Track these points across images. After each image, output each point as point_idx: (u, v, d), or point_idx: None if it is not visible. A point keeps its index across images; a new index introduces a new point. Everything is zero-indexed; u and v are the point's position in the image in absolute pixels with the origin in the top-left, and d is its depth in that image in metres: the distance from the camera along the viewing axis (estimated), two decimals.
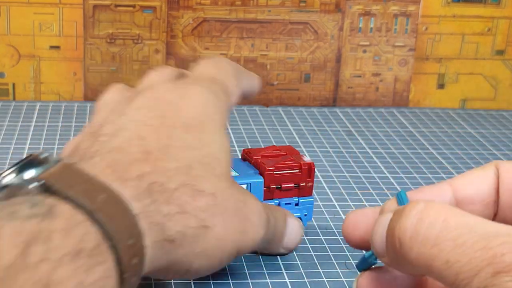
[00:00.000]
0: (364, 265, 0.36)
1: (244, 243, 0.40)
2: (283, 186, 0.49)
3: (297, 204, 0.50)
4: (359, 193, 0.64)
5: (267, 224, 0.42)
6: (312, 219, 0.59)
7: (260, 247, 0.43)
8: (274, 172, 0.48)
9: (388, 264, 0.32)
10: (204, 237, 0.36)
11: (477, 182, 0.34)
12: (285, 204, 0.49)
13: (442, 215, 0.29)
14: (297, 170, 0.49)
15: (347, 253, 0.54)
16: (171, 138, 0.37)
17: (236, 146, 0.73)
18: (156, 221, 0.34)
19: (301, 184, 0.50)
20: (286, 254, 0.50)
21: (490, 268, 0.27)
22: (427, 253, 0.29)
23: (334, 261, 0.52)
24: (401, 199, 0.35)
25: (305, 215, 0.52)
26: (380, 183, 0.66)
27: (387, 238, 0.31)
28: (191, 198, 0.36)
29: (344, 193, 0.64)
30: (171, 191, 0.35)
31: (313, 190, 0.51)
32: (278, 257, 0.53)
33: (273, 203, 0.48)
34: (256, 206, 0.41)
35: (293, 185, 0.49)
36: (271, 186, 0.48)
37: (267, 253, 0.50)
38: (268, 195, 0.49)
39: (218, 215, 0.37)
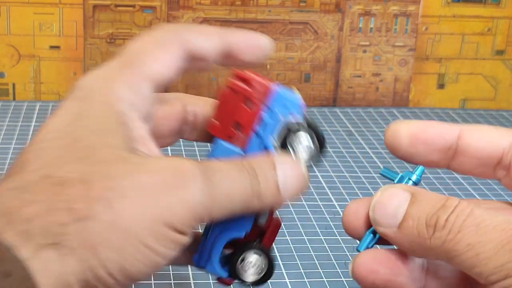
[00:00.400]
0: (365, 244, 0.34)
1: (174, 211, 0.30)
2: (238, 119, 0.35)
3: None
4: (359, 193, 0.64)
5: (205, 172, 0.31)
6: (312, 219, 0.59)
7: (239, 208, 0.32)
8: (214, 121, 0.35)
9: (393, 238, 0.32)
10: (90, 229, 0.28)
11: (486, 141, 0.33)
12: (260, 127, 0.35)
13: (469, 208, 0.30)
14: (233, 94, 0.35)
15: (347, 253, 0.54)
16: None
17: None
18: (21, 230, 0.28)
19: (247, 93, 0.35)
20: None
21: (509, 245, 0.28)
22: (450, 239, 0.30)
23: (334, 261, 0.52)
24: (390, 175, 0.35)
25: (290, 113, 0.35)
26: (380, 183, 0.66)
27: (406, 220, 0.31)
28: (52, 192, 0.29)
29: (344, 193, 0.64)
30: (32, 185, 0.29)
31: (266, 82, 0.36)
32: (278, 257, 0.53)
33: (256, 139, 0.35)
34: (170, 160, 0.31)
35: (242, 104, 0.35)
36: (230, 132, 0.35)
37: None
38: (240, 140, 0.35)
39: (101, 199, 0.29)
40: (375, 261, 0.33)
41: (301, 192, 0.34)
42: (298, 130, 0.34)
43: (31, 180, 0.29)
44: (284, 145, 0.34)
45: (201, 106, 0.38)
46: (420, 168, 0.35)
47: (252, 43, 0.37)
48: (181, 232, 0.30)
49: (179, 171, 0.30)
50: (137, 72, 0.34)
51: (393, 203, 0.32)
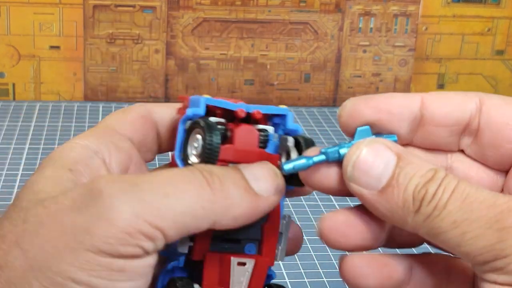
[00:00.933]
0: (293, 164, 0.29)
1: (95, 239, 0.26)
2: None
3: None
4: None
5: (121, 188, 0.27)
6: (312, 219, 0.59)
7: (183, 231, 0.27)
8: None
9: (369, 201, 0.30)
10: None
11: (451, 106, 0.31)
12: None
13: (455, 180, 0.28)
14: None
15: (347, 253, 0.54)
16: None
17: None
18: None
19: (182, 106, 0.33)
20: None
21: (498, 224, 0.26)
22: (435, 215, 0.27)
23: (334, 261, 0.52)
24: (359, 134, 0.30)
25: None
26: None
27: (391, 186, 0.28)
28: None
29: None
30: None
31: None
32: None
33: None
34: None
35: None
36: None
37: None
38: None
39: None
40: (346, 224, 0.31)
41: (278, 189, 0.30)
42: (193, 128, 0.30)
43: None
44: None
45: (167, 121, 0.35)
46: (393, 137, 0.30)
47: None
48: (124, 256, 0.26)
49: (97, 188, 0.27)
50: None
51: (378, 163, 0.29)
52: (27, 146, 0.70)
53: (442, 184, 0.27)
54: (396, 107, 0.30)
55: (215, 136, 0.29)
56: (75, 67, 0.84)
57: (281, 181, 0.30)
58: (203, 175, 0.28)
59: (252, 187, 0.29)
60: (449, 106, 0.31)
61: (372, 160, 0.29)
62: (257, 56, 0.86)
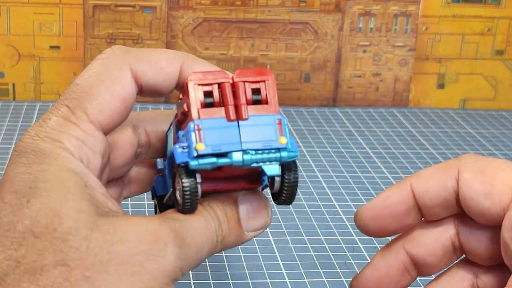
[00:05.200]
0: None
1: (154, 278, 0.29)
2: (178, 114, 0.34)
3: None
4: (359, 193, 0.64)
5: (178, 235, 0.30)
6: (312, 219, 0.59)
7: (205, 257, 0.32)
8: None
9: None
10: None
11: (435, 187, 0.33)
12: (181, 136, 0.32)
13: None
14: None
15: (347, 253, 0.54)
16: None
17: None
18: None
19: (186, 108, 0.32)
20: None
21: None
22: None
23: (334, 261, 0.52)
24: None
25: (184, 148, 0.31)
26: (380, 183, 0.66)
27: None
28: (28, 281, 0.27)
29: (344, 193, 0.64)
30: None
31: (194, 111, 0.31)
32: (278, 256, 0.53)
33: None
34: (142, 227, 0.30)
35: (181, 112, 0.33)
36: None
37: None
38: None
39: (83, 280, 0.28)
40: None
41: (265, 228, 0.34)
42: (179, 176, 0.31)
43: None
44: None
45: (150, 123, 0.37)
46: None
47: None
48: None
49: (155, 238, 0.29)
50: (83, 123, 0.31)
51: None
52: None
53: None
54: (394, 208, 0.34)
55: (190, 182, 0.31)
56: (75, 67, 0.84)
57: (270, 219, 0.34)
58: (212, 218, 0.32)
59: (243, 230, 0.33)
60: (433, 188, 0.33)
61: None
62: (257, 56, 0.86)
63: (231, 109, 0.31)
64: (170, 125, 0.35)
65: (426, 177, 0.34)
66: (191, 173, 0.31)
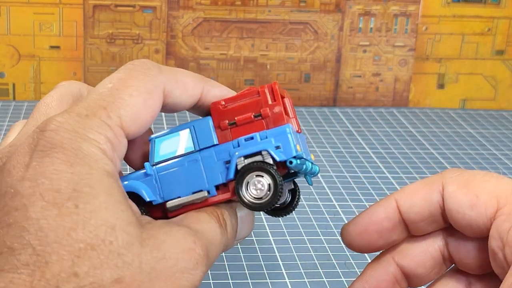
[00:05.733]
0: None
1: None
2: (238, 119, 0.35)
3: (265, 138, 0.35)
4: (359, 193, 0.64)
5: (206, 253, 0.32)
6: (312, 219, 0.59)
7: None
8: (222, 103, 0.35)
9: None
10: None
11: (420, 202, 0.34)
12: (245, 140, 0.35)
13: None
14: (255, 96, 0.36)
15: (347, 253, 0.54)
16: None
17: None
18: None
19: (264, 110, 0.35)
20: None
21: None
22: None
23: (334, 261, 0.52)
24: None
25: (278, 148, 0.34)
26: (380, 183, 0.66)
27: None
28: None
29: (344, 193, 0.64)
30: None
31: (284, 116, 0.36)
32: (278, 256, 0.53)
33: (232, 145, 0.35)
34: (180, 245, 0.31)
35: (252, 115, 0.35)
36: (223, 123, 0.35)
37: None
38: (223, 136, 0.35)
39: None
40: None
41: (248, 235, 0.36)
42: (262, 173, 0.34)
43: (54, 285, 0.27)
44: (242, 173, 0.34)
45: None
46: None
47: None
48: None
49: (189, 257, 0.31)
50: (116, 128, 0.32)
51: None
52: None
53: None
54: (380, 224, 0.34)
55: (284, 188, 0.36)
56: (75, 67, 0.84)
57: (253, 228, 0.36)
58: (223, 226, 0.34)
59: (236, 238, 0.35)
60: (418, 203, 0.34)
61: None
62: (257, 56, 0.86)
63: (294, 121, 0.35)
64: (152, 136, 0.35)
65: (411, 192, 0.34)
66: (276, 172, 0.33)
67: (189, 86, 0.35)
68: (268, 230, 0.56)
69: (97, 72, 0.84)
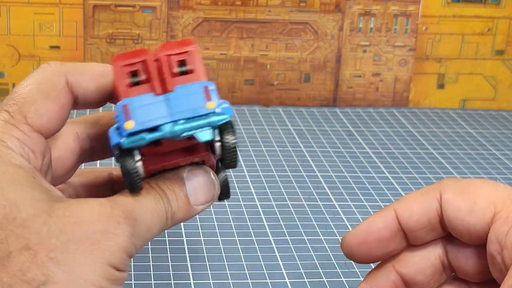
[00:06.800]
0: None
1: (114, 254, 0.31)
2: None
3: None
4: (359, 193, 0.64)
5: (129, 216, 0.32)
6: (312, 219, 0.59)
7: (157, 233, 0.34)
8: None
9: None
10: None
11: (418, 210, 0.34)
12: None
13: None
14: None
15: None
16: None
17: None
18: None
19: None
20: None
21: None
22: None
23: (333, 261, 0.52)
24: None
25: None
26: (380, 183, 0.66)
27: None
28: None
29: (344, 193, 0.64)
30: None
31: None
32: (278, 256, 0.53)
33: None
34: (94, 210, 0.32)
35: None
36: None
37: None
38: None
39: (50, 261, 0.30)
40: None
41: (212, 200, 0.35)
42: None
43: None
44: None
45: (93, 127, 0.38)
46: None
47: None
48: (122, 270, 0.32)
49: (107, 219, 0.31)
50: (22, 125, 0.33)
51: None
52: None
53: None
54: (379, 234, 0.35)
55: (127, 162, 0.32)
56: None
57: (217, 191, 0.35)
58: (161, 197, 0.34)
59: (191, 203, 0.34)
60: (416, 212, 0.34)
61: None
62: (257, 56, 0.86)
63: (157, 83, 0.31)
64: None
65: (409, 202, 0.35)
66: (128, 153, 0.32)
67: (96, 74, 0.35)
68: (268, 230, 0.56)
69: None
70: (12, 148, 0.32)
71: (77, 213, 0.31)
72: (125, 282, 0.36)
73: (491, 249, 0.31)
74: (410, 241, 0.35)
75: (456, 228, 0.33)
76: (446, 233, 0.34)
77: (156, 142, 0.32)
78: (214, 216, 0.58)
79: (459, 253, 0.34)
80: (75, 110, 0.36)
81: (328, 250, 0.54)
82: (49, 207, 0.31)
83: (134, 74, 0.32)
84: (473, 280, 0.34)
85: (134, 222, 0.32)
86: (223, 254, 0.53)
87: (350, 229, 0.57)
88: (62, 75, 0.35)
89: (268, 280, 0.50)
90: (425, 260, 0.35)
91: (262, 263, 0.52)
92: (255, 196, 0.62)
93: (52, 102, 0.34)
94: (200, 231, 0.56)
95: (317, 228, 0.57)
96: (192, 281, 0.49)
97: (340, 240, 0.56)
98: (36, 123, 0.33)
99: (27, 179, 0.32)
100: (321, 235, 0.56)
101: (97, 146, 0.38)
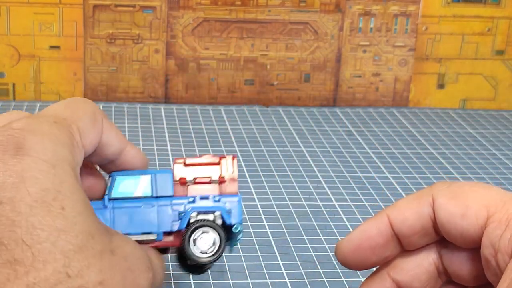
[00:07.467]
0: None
1: None
2: (196, 178, 0.40)
3: (217, 201, 0.41)
4: (359, 193, 0.64)
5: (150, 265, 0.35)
6: (312, 219, 0.59)
7: None
8: (186, 162, 0.40)
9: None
10: None
11: (411, 215, 0.34)
12: (201, 198, 0.40)
13: None
14: (216, 163, 0.41)
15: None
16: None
17: (236, 146, 0.73)
18: None
19: (222, 178, 0.40)
20: None
21: None
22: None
23: (333, 261, 0.52)
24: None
25: (229, 212, 0.40)
26: (380, 183, 0.66)
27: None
28: None
29: (344, 193, 0.64)
30: None
31: (238, 189, 0.41)
32: (278, 256, 0.53)
33: (188, 200, 0.40)
34: (140, 259, 0.34)
35: (210, 179, 0.40)
36: (183, 179, 0.40)
37: None
38: (180, 190, 0.40)
39: None
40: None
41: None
42: (210, 229, 0.39)
43: None
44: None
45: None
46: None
47: (138, 159, 0.40)
48: None
49: (144, 265, 0.34)
50: (76, 131, 0.34)
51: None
52: None
53: None
54: (373, 240, 0.34)
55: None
56: (75, 67, 0.84)
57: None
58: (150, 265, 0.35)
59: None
60: (409, 217, 0.34)
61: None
62: (257, 56, 0.86)
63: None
64: (111, 174, 0.39)
65: (402, 207, 0.34)
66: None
67: (118, 137, 0.38)
68: (268, 230, 0.56)
69: (97, 72, 0.84)
70: (74, 156, 0.33)
71: (128, 257, 0.33)
72: None
73: (485, 253, 0.31)
74: (404, 246, 0.35)
75: (450, 232, 0.33)
76: (440, 238, 0.34)
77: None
78: None
79: (453, 258, 0.34)
80: None
81: (328, 250, 0.54)
82: (110, 243, 0.32)
83: None
84: (469, 285, 0.34)
85: (155, 280, 0.35)
86: (223, 254, 0.53)
87: (351, 229, 0.57)
88: (101, 116, 0.37)
89: (268, 280, 0.50)
90: (420, 266, 0.35)
91: (262, 263, 0.52)
92: (255, 196, 0.62)
93: (94, 131, 0.36)
94: None
95: (317, 228, 0.57)
96: (192, 281, 0.49)
97: (340, 240, 0.56)
98: (84, 140, 0.35)
99: (90, 204, 0.32)
100: (321, 235, 0.56)
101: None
